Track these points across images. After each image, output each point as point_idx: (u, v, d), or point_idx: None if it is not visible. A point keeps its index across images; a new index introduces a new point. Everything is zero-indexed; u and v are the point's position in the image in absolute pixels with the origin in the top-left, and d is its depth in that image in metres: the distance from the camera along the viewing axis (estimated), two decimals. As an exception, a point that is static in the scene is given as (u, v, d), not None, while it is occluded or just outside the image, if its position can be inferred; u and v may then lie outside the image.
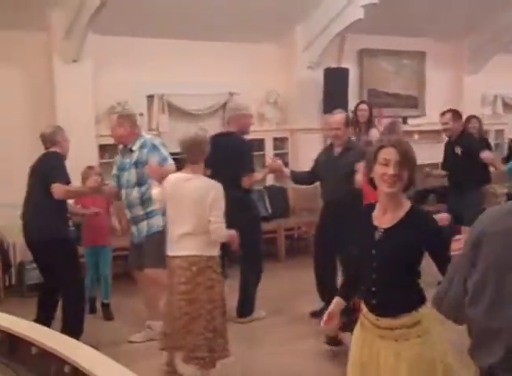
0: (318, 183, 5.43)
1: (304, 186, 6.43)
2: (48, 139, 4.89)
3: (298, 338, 4.94)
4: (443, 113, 6.32)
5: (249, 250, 5.25)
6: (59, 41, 6.55)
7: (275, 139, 8.36)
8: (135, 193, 4.80)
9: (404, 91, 9.35)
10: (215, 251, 3.87)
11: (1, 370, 2.47)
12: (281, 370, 4.36)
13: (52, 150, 4.86)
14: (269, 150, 8.18)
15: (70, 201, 5.22)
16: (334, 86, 8.08)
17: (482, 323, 1.86)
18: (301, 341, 4.87)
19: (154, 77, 7.31)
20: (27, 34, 6.63)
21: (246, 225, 4.72)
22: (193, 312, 3.75)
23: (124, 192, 4.88)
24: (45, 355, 2.38)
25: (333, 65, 8.35)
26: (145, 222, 4.79)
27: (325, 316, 2.78)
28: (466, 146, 6.15)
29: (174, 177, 3.97)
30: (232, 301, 5.17)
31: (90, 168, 5.78)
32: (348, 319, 3.63)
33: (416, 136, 9.01)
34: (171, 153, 4.78)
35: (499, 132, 10.10)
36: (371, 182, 2.58)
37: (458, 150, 6.17)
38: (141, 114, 7.39)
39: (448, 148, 6.40)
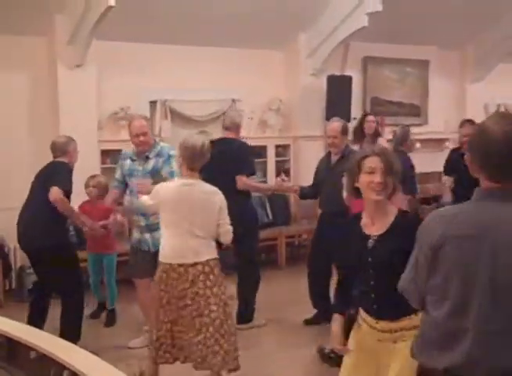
0: None
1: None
2: (59, 148, 4.90)
3: (295, 344, 4.96)
4: (463, 124, 5.99)
5: (246, 258, 5.26)
6: (63, 47, 6.56)
7: (278, 146, 8.35)
8: None
9: (407, 99, 9.34)
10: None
11: (0, 374, 2.47)
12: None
13: (61, 159, 4.86)
14: (271, 157, 8.18)
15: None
16: (337, 94, 8.07)
17: (444, 326, 1.89)
18: (296, 347, 4.89)
19: (157, 83, 7.32)
20: (31, 39, 6.65)
21: (243, 234, 4.72)
22: (223, 314, 3.79)
23: (135, 199, 4.61)
24: (43, 359, 2.38)
25: (337, 72, 8.36)
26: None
27: (335, 344, 2.75)
28: None
29: (172, 183, 3.96)
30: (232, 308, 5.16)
31: (92, 177, 5.75)
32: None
33: (418, 145, 8.99)
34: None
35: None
36: (355, 191, 2.67)
37: None
38: (144, 120, 7.42)
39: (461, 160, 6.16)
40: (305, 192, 5.50)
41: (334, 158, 5.22)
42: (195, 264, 3.75)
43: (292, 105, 8.35)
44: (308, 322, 5.38)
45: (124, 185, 4.88)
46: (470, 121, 5.85)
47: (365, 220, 2.68)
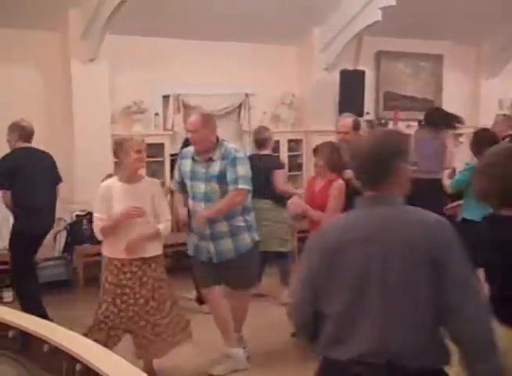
0: None
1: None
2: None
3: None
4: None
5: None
6: (77, 41, 6.58)
7: (290, 141, 8.34)
8: None
9: (420, 94, 9.29)
10: None
11: (14, 367, 2.48)
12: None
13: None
14: (284, 152, 8.16)
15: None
16: (350, 88, 8.05)
17: (342, 320, 2.05)
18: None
19: (170, 77, 7.32)
20: (45, 34, 6.67)
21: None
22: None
23: (201, 205, 4.20)
24: (56, 352, 2.39)
25: (350, 67, 8.32)
26: (229, 240, 4.21)
27: None
28: None
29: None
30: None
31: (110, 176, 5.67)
32: None
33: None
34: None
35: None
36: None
37: None
38: (156, 114, 7.43)
39: None
40: None
41: (346, 155, 5.19)
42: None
43: (305, 100, 8.33)
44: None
45: (185, 186, 4.39)
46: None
47: None
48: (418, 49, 8.99)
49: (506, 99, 9.90)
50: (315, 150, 4.61)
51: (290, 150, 8.32)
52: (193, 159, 4.25)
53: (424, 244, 1.97)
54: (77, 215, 6.59)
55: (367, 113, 7.96)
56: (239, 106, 7.98)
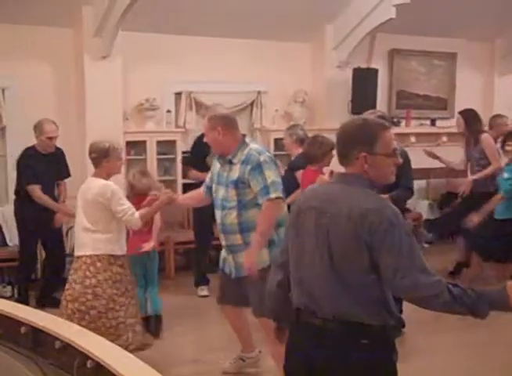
0: None
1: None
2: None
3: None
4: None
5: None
6: (90, 38, 6.58)
7: (302, 139, 8.31)
8: (233, 218, 3.83)
9: (434, 92, 9.22)
10: None
11: (25, 364, 2.49)
12: None
13: None
14: (296, 150, 8.13)
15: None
16: (363, 86, 8.00)
17: (292, 275, 2.45)
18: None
19: (182, 75, 7.32)
20: (58, 31, 6.69)
21: None
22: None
23: (218, 213, 3.92)
24: (68, 349, 2.39)
25: (363, 65, 8.28)
26: (244, 254, 3.83)
27: None
28: None
29: None
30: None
31: (142, 173, 5.34)
32: None
33: (444, 138, 8.90)
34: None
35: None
36: None
37: None
38: (168, 111, 7.43)
39: None
40: None
41: None
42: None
43: (317, 97, 8.30)
44: None
45: (211, 190, 4.09)
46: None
47: None
48: (432, 47, 8.92)
49: (521, 97, 9.82)
50: None
51: (302, 147, 8.29)
52: (219, 161, 4.00)
53: (355, 227, 2.20)
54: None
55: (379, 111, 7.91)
56: (252, 104, 7.97)
